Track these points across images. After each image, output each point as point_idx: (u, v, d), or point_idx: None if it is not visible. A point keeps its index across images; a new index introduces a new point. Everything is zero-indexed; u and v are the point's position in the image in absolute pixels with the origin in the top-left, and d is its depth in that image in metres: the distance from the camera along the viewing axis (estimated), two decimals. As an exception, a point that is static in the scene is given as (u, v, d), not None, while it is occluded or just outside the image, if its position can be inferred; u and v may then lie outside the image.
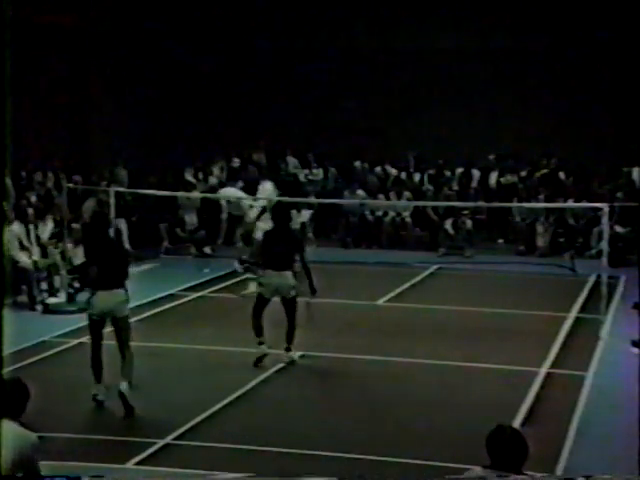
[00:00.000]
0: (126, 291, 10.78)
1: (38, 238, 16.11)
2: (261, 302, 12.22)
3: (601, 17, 23.48)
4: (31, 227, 16.13)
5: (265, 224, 15.76)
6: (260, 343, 12.06)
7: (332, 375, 11.97)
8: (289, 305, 12.18)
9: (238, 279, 16.95)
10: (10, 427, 5.69)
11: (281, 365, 12.10)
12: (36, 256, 15.70)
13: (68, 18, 22.14)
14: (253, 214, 17.08)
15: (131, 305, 14.32)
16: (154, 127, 24.44)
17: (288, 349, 12.20)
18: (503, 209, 21.35)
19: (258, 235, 15.58)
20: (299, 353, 12.29)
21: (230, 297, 15.71)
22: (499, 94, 24.16)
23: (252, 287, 15.56)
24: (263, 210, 16.50)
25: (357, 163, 24.03)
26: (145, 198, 19.85)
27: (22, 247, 15.68)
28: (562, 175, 22.41)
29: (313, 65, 25.48)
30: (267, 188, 17.08)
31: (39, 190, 19.70)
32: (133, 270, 17.59)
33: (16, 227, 15.97)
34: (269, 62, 25.86)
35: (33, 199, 18.76)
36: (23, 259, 15.43)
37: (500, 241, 21.98)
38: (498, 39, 24.03)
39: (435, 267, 19.07)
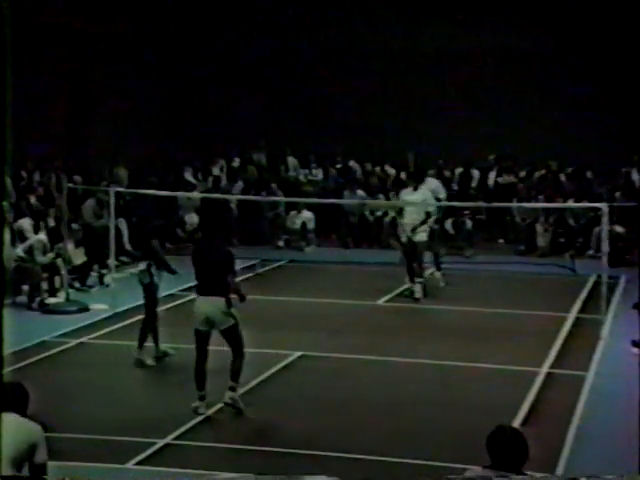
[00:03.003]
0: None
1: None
2: (199, 338, 10.22)
3: (602, 18, 23.50)
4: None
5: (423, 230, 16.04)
6: (201, 398, 10.17)
7: (332, 375, 11.96)
8: (228, 338, 10.22)
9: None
10: (12, 418, 5.79)
11: (280, 365, 12.10)
12: (39, 255, 15.76)
13: (69, 18, 22.15)
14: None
15: (131, 305, 14.45)
16: (154, 127, 24.44)
17: (232, 388, 10.20)
18: (503, 209, 21.35)
19: (422, 237, 15.99)
20: (242, 404, 10.32)
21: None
22: (499, 94, 24.17)
23: (418, 289, 16.10)
24: (428, 214, 16.22)
25: (351, 162, 24.02)
26: (145, 198, 19.83)
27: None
28: (563, 177, 22.45)
29: (313, 65, 25.50)
30: (436, 185, 16.88)
31: (39, 190, 19.71)
32: (133, 270, 17.67)
33: (26, 222, 16.14)
34: (269, 62, 25.87)
35: (33, 199, 18.78)
36: (42, 259, 15.52)
37: (500, 241, 21.99)
38: (498, 39, 24.02)
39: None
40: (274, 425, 10.19)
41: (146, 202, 20.19)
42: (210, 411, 10.34)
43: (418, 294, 16.09)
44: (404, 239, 16.37)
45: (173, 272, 12.70)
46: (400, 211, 16.91)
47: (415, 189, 16.34)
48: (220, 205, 21.16)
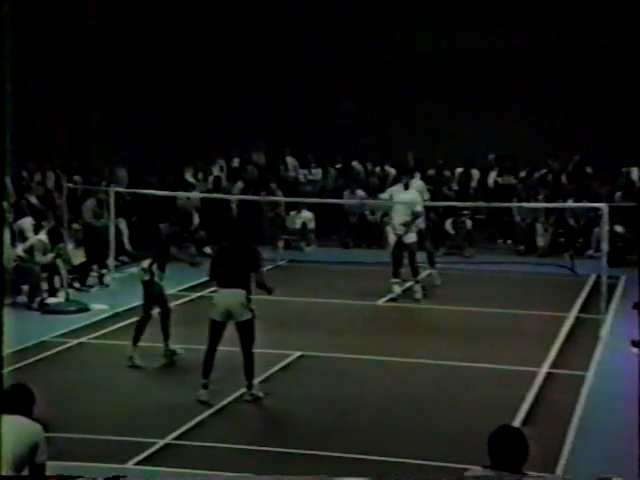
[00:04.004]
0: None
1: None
2: (214, 328, 10.72)
3: (602, 18, 23.51)
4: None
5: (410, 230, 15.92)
6: (204, 386, 10.56)
7: (332, 375, 11.95)
8: (243, 330, 10.61)
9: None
10: (13, 419, 5.81)
11: (280, 365, 12.10)
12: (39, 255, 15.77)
13: (69, 18, 22.15)
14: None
15: (132, 305, 14.45)
16: (154, 127, 24.44)
17: (249, 386, 10.68)
18: (503, 209, 21.36)
19: (411, 238, 15.90)
20: (261, 393, 10.79)
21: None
22: (499, 94, 24.19)
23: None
24: (415, 214, 16.10)
25: (354, 163, 24.05)
26: (145, 198, 19.83)
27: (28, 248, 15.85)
28: (563, 177, 22.47)
29: (313, 65, 25.51)
30: (418, 184, 16.86)
31: (39, 190, 19.69)
32: (133, 270, 17.71)
33: (27, 222, 16.17)
34: (269, 62, 25.88)
35: (33, 199, 18.77)
36: (42, 259, 15.54)
37: (500, 241, 22.00)
38: (498, 39, 24.03)
39: (435, 267, 19.05)
40: (274, 425, 10.19)
41: (146, 202, 20.23)
42: (210, 411, 10.34)
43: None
44: (392, 238, 16.23)
45: (197, 264, 13.28)
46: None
47: (406, 187, 16.31)
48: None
